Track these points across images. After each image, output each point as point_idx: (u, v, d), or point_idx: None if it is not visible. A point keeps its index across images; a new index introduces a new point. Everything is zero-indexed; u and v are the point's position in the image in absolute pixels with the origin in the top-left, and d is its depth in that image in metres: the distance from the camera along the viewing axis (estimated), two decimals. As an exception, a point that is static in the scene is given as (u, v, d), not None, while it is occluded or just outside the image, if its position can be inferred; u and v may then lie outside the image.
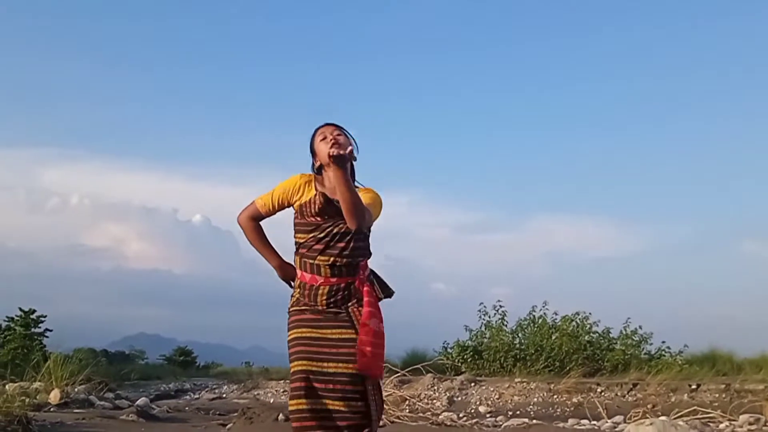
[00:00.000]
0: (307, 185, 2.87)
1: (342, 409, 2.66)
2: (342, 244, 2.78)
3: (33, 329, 11.49)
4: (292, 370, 2.75)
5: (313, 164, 2.94)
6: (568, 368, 9.58)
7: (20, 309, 11.69)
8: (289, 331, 2.84)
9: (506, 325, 10.97)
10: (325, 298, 2.79)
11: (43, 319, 11.66)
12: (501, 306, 11.01)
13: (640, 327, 10.84)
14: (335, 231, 2.78)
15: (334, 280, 2.79)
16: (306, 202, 2.82)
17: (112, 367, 11.57)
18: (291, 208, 2.92)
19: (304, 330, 2.78)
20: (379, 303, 2.86)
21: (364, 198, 2.77)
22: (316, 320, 2.78)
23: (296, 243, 2.89)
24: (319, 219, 2.80)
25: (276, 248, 3.04)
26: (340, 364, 2.69)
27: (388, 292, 2.94)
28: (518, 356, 10.37)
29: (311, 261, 2.80)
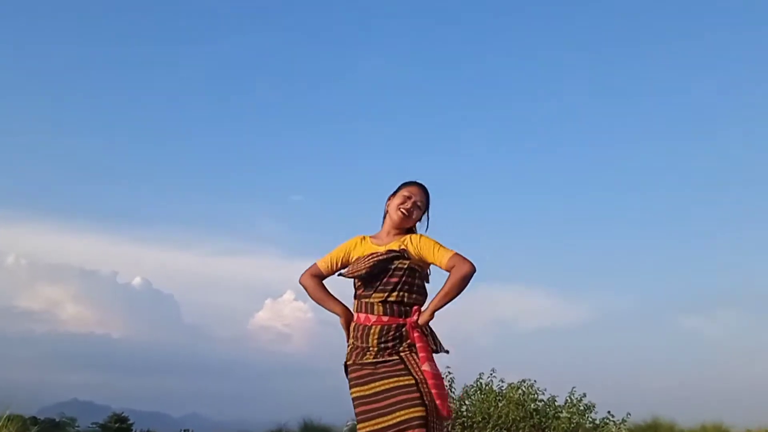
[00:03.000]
0: (362, 241, 3.07)
1: None
2: (395, 279, 2.90)
3: (-42, 393, 10.86)
4: (359, 431, 2.82)
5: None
6: (515, 436, 9.51)
7: (-55, 372, 11.07)
8: (349, 387, 2.91)
9: (453, 393, 10.89)
10: (376, 338, 2.85)
11: (-30, 382, 11.06)
12: (449, 373, 10.96)
13: (584, 395, 10.90)
14: (389, 265, 2.91)
15: (385, 319, 2.87)
16: (363, 256, 2.98)
17: (42, 435, 10.99)
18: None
19: (364, 388, 2.84)
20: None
21: (425, 247, 2.96)
22: (373, 374, 2.84)
23: (354, 287, 3.01)
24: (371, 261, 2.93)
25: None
26: (407, 411, 2.72)
27: (437, 350, 2.96)
28: (465, 423, 10.26)
29: (366, 300, 2.91)
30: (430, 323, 2.94)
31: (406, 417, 2.70)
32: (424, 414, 2.70)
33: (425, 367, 2.79)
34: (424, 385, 2.76)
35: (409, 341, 2.85)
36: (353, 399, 2.87)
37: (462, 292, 2.86)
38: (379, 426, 2.75)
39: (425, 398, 2.73)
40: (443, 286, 2.87)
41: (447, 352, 2.99)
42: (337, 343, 3.10)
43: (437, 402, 2.74)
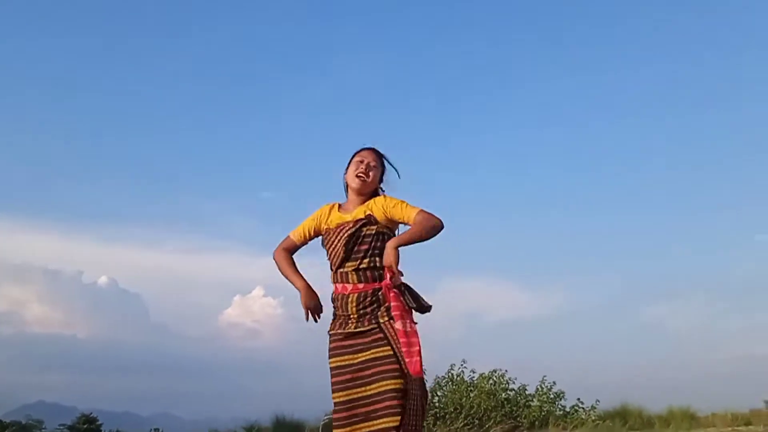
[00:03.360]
0: (331, 210, 3.10)
1: (388, 425, 2.71)
2: (365, 246, 2.94)
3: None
4: (334, 400, 2.86)
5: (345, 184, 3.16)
6: (487, 426, 9.61)
7: None
8: (329, 358, 2.94)
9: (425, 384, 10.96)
10: (354, 305, 2.90)
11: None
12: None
13: (554, 383, 11.05)
14: (358, 234, 2.94)
15: (361, 286, 2.92)
16: (332, 228, 3.02)
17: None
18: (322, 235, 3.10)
19: (344, 358, 2.88)
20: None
21: (391, 206, 2.99)
22: (354, 345, 2.88)
23: (328, 258, 3.04)
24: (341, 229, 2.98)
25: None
26: (382, 383, 2.77)
27: (421, 305, 2.97)
28: (438, 414, 10.32)
29: (341, 270, 2.95)
30: (408, 283, 2.96)
31: (383, 389, 2.75)
32: (401, 386, 2.73)
33: (397, 325, 2.81)
34: (402, 356, 2.79)
35: (387, 304, 2.88)
36: (330, 369, 2.90)
37: (427, 239, 2.87)
38: (354, 396, 2.80)
39: (403, 369, 2.76)
40: (412, 227, 2.90)
41: (430, 307, 2.98)
42: (307, 339, 3.11)
43: (406, 360, 2.76)
